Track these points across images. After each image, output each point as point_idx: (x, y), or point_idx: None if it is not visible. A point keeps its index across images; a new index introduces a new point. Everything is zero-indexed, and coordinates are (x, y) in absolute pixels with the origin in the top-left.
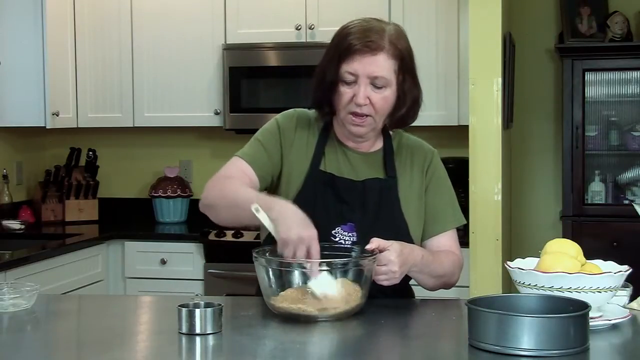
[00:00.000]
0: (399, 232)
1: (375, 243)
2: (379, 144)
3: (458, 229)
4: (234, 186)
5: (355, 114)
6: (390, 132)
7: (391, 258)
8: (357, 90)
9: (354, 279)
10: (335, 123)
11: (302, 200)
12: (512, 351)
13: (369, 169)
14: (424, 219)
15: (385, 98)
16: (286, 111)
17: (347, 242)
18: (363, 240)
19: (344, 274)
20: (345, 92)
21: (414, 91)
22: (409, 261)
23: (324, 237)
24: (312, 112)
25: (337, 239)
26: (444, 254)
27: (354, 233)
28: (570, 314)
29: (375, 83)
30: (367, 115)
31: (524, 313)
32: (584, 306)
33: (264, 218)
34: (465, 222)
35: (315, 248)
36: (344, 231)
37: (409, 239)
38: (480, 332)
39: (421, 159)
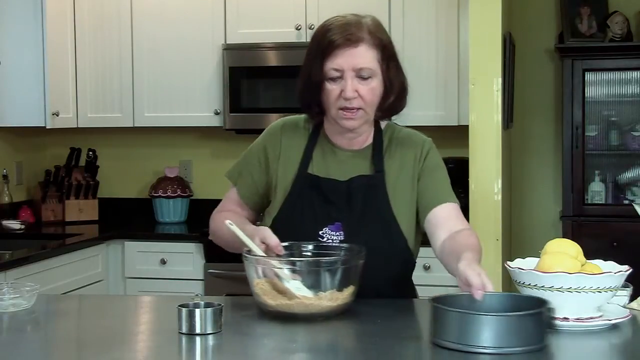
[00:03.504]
0: (387, 225)
1: (478, 293)
2: (370, 140)
3: None
4: (219, 223)
5: (345, 109)
6: (382, 127)
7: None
8: (344, 85)
9: (342, 276)
10: (326, 122)
11: (290, 204)
12: (473, 349)
13: (357, 167)
14: (416, 198)
15: (372, 89)
16: (273, 124)
17: (334, 242)
18: (350, 238)
19: (332, 273)
20: (333, 89)
21: (399, 78)
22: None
23: (312, 238)
24: (299, 117)
25: (325, 239)
26: (466, 238)
27: (341, 232)
28: (524, 312)
29: (361, 75)
30: (357, 109)
31: (486, 311)
32: (543, 304)
33: (236, 230)
34: (460, 204)
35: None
36: (332, 231)
37: (397, 231)
38: (443, 330)
39: (413, 150)
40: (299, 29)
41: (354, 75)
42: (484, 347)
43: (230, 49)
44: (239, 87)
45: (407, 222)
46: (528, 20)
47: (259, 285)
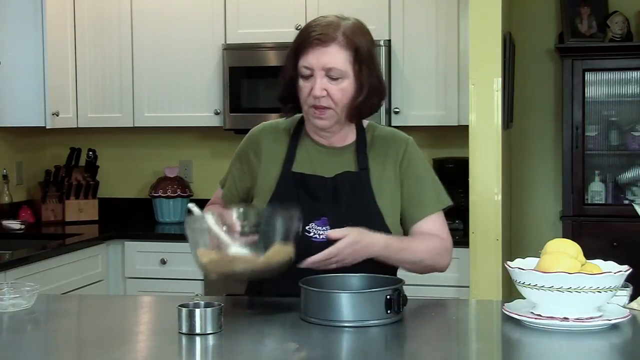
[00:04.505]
0: (374, 221)
1: (331, 234)
2: (351, 138)
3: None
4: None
5: (315, 107)
6: (364, 126)
7: (340, 246)
8: (313, 83)
9: (283, 232)
10: (306, 120)
11: (276, 202)
12: (334, 323)
13: (341, 164)
14: (401, 207)
15: (343, 90)
16: (252, 129)
17: (320, 236)
18: None
19: (270, 227)
20: (305, 86)
21: (371, 81)
22: (363, 252)
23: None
24: (279, 120)
25: (311, 233)
26: (420, 240)
27: (327, 227)
28: (371, 290)
29: (330, 75)
30: (327, 108)
31: (344, 291)
32: (397, 283)
33: (197, 212)
34: (451, 203)
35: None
36: (318, 225)
37: (384, 227)
38: (307, 308)
39: (395, 149)
40: (299, 29)
41: (323, 75)
42: (340, 321)
43: (230, 49)
44: (239, 87)
45: (392, 217)
46: (528, 20)
47: (201, 253)
